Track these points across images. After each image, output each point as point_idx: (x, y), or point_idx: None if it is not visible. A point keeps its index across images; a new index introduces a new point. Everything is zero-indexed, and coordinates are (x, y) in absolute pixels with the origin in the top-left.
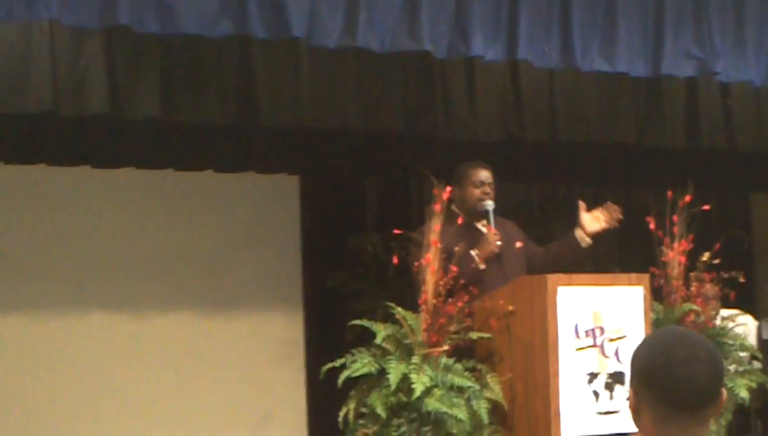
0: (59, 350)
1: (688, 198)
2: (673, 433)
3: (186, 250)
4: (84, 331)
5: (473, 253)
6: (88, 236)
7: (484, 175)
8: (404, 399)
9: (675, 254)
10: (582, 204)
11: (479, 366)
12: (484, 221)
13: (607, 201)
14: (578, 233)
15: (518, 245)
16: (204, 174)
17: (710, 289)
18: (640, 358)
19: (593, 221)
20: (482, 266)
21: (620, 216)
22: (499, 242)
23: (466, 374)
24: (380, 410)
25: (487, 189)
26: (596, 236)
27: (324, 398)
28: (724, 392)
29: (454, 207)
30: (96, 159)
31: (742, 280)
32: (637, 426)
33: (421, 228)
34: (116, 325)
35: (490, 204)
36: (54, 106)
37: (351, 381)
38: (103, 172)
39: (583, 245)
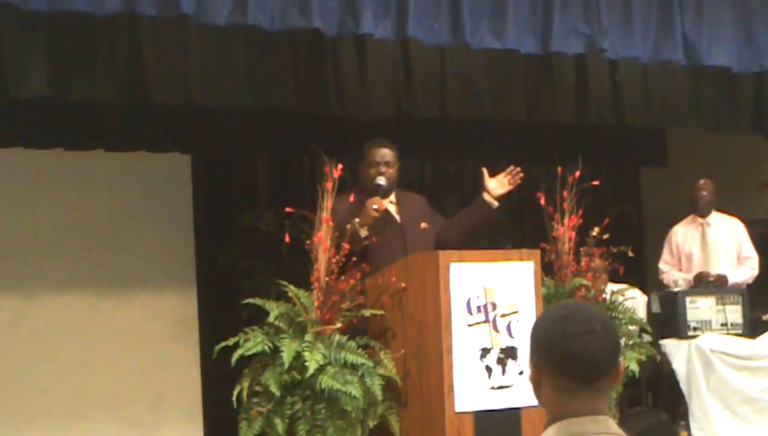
0: None
1: (577, 174)
2: (571, 405)
3: (79, 230)
4: None
5: (355, 221)
6: None
7: (380, 154)
8: (298, 377)
9: (565, 230)
10: (485, 170)
11: (372, 343)
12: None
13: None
14: (486, 197)
15: (423, 226)
16: (95, 153)
17: (599, 263)
18: (538, 332)
19: (498, 185)
20: (363, 233)
21: (521, 175)
22: (375, 207)
23: (360, 351)
24: (274, 388)
25: (382, 168)
26: (501, 199)
27: (218, 376)
28: (621, 363)
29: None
30: None
31: (631, 254)
32: (538, 399)
33: (340, 196)
34: (7, 305)
35: (380, 179)
36: None
37: (245, 360)
38: None
39: (494, 207)
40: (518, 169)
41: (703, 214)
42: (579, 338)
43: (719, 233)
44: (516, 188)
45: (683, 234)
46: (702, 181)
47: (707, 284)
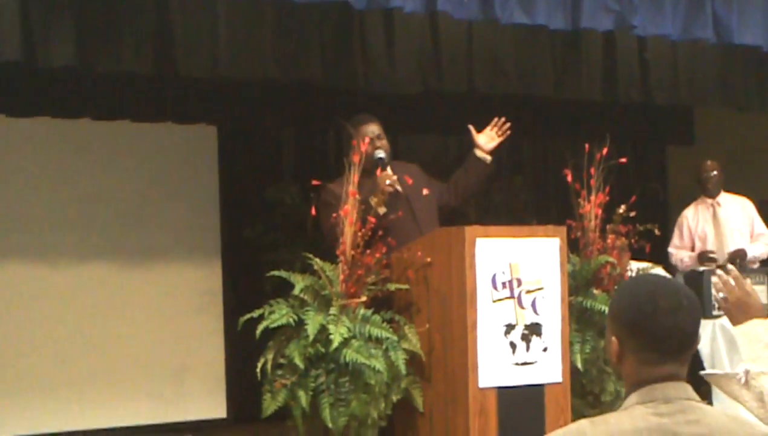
0: None
1: (605, 151)
2: (657, 377)
3: (104, 200)
4: (0, 280)
5: (371, 201)
6: (4, 186)
7: (370, 130)
8: (322, 350)
9: (591, 207)
10: (472, 127)
11: (397, 317)
12: (380, 170)
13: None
14: (479, 154)
15: (425, 192)
16: (121, 123)
17: (623, 241)
18: (623, 307)
19: (488, 139)
20: (382, 210)
21: (509, 125)
22: (388, 182)
23: (384, 325)
24: (298, 361)
25: (377, 143)
26: (493, 152)
27: (242, 348)
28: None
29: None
30: (11, 108)
31: (657, 232)
32: (618, 372)
33: (339, 180)
34: (34, 275)
35: (379, 152)
36: None
37: (269, 332)
38: (18, 121)
39: (488, 162)
40: (503, 119)
41: (713, 195)
42: (669, 313)
43: (730, 212)
44: (543, 165)
45: (694, 216)
46: (709, 163)
47: (709, 260)
